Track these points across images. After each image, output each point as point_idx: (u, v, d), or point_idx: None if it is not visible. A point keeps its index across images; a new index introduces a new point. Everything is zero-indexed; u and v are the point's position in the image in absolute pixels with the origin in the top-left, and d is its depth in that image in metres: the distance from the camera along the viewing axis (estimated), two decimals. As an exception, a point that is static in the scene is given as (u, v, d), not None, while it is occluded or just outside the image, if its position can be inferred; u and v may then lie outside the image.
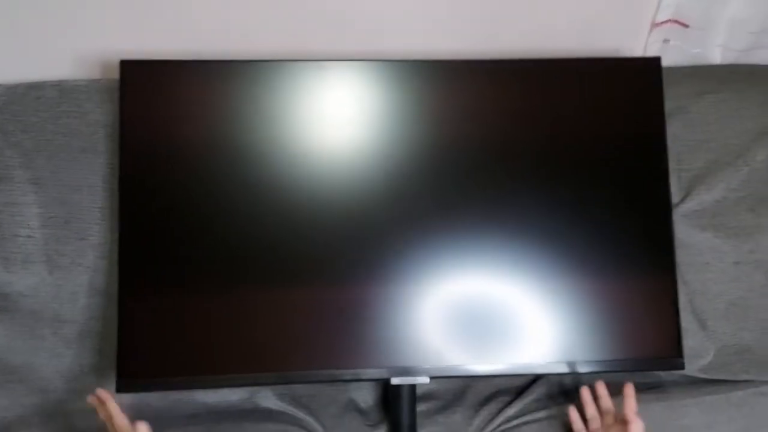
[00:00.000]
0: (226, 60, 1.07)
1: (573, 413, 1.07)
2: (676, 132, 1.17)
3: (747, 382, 1.14)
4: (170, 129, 1.05)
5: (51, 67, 1.13)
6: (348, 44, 1.17)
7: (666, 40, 1.24)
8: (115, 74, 1.06)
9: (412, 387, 1.07)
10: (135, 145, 1.04)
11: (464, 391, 1.14)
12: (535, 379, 1.15)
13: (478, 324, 1.05)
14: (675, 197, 1.16)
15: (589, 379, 1.09)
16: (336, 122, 1.07)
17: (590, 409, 1.06)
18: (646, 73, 1.14)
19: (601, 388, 1.07)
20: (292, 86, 1.06)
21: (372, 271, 1.05)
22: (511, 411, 1.11)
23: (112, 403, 0.94)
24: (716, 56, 1.26)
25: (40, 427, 1.05)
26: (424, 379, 1.04)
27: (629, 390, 1.02)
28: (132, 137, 1.04)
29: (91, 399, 0.97)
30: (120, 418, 0.92)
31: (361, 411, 1.12)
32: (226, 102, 1.05)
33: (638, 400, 1.07)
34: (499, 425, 1.10)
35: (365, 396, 1.13)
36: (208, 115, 1.05)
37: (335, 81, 1.07)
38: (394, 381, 1.04)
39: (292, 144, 1.06)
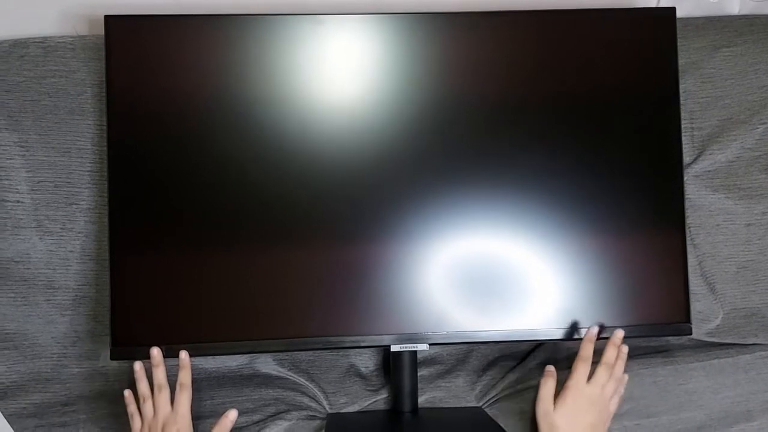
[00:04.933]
0: (217, 15, 1.01)
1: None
2: (689, 88, 1.13)
3: (755, 346, 1.12)
4: (159, 87, 1.00)
5: (35, 23, 1.09)
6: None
7: (682, -11, 1.18)
8: (102, 30, 1.01)
9: (413, 353, 1.05)
10: (123, 105, 1.00)
11: (467, 355, 1.12)
12: (540, 343, 1.13)
13: (479, 288, 1.03)
14: (687, 157, 1.12)
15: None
16: (334, 79, 1.02)
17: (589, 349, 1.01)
18: (659, 24, 1.08)
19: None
20: (286, 42, 1.01)
21: (373, 233, 1.02)
22: (513, 376, 1.09)
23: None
24: (734, 7, 1.19)
25: (37, 394, 1.04)
26: (423, 346, 1.02)
27: (618, 336, 1.02)
28: (120, 96, 1.00)
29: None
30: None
31: (362, 376, 1.11)
32: (217, 58, 1.01)
33: (644, 364, 1.07)
34: (502, 390, 1.09)
35: (366, 361, 1.12)
36: (198, 72, 1.01)
37: (333, 36, 1.02)
38: (394, 348, 1.02)
39: (288, 101, 1.01)
